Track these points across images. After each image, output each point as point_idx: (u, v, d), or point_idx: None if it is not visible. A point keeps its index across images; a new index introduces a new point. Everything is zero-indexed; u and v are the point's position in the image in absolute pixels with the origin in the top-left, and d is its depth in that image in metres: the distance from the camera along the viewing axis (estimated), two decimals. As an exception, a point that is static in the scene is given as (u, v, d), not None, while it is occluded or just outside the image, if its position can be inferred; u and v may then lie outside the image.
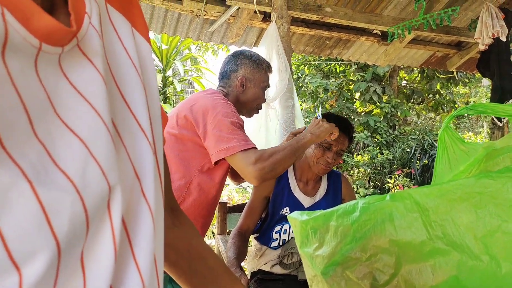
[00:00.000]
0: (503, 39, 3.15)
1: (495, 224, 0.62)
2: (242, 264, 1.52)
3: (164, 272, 0.66)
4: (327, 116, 1.54)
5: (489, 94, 3.60)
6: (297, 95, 2.85)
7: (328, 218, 0.74)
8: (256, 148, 1.31)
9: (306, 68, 8.87)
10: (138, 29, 0.44)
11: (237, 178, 1.86)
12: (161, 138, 0.44)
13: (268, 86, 1.62)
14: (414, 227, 0.66)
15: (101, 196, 0.30)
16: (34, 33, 0.27)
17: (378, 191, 6.71)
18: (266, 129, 2.54)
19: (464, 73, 7.23)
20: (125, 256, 0.34)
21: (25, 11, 0.26)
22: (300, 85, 8.33)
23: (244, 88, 1.53)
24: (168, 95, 6.26)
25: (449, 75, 7.99)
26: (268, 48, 2.60)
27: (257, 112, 1.63)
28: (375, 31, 3.63)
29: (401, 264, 0.67)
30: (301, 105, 8.03)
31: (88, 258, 0.30)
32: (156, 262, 0.37)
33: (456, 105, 8.85)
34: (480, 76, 3.73)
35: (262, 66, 1.56)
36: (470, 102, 10.77)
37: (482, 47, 3.22)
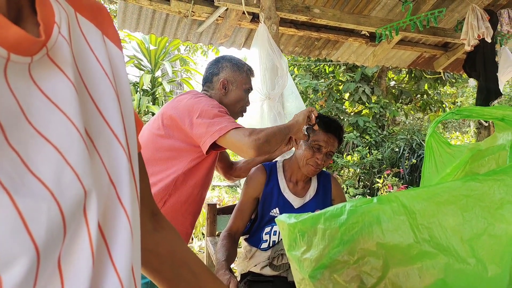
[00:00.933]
0: (489, 40, 3.20)
1: (482, 227, 0.62)
2: (232, 266, 1.52)
3: (146, 278, 0.65)
4: (318, 118, 1.54)
5: (476, 94, 3.65)
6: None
7: (316, 221, 0.74)
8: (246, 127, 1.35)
9: (295, 69, 8.90)
10: (109, 37, 0.44)
11: (230, 173, 1.87)
12: (136, 144, 0.44)
13: (251, 89, 1.64)
14: (401, 230, 0.66)
15: (77, 201, 0.31)
16: (1, 44, 0.28)
17: (368, 191, 6.76)
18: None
19: (451, 73, 7.32)
20: (103, 261, 0.34)
21: None
22: (290, 85, 8.34)
23: (227, 90, 1.56)
24: (157, 95, 6.21)
25: (437, 76, 8.10)
26: (261, 48, 2.61)
27: (242, 115, 1.65)
28: (363, 32, 3.65)
29: (389, 267, 0.67)
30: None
31: (66, 263, 0.30)
32: (133, 267, 0.38)
33: (444, 105, 8.98)
34: (467, 76, 3.78)
35: (243, 69, 1.60)
36: (457, 102, 10.93)
37: (468, 48, 3.26)
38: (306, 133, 1.54)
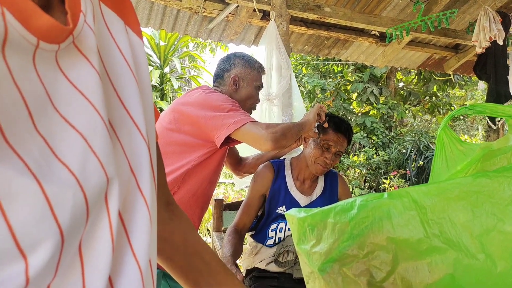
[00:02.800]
0: (500, 42, 3.18)
1: (491, 223, 0.63)
2: (238, 261, 1.53)
3: (159, 268, 0.66)
4: (328, 117, 1.55)
5: (485, 97, 3.62)
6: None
7: (326, 215, 0.75)
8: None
9: (303, 68, 8.88)
10: (131, 26, 0.45)
11: (239, 168, 1.88)
12: (154, 133, 0.45)
13: (262, 86, 1.65)
14: (411, 225, 0.66)
15: (100, 188, 0.31)
16: (32, 31, 0.28)
17: (374, 192, 6.73)
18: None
19: (461, 75, 7.26)
20: (123, 249, 0.35)
21: (24, 10, 0.27)
22: (298, 84, 8.33)
23: (237, 87, 1.57)
24: (165, 91, 6.24)
25: (446, 78, 8.03)
26: (268, 46, 2.61)
27: (251, 112, 1.66)
28: (373, 32, 3.64)
29: (398, 262, 0.68)
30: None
31: (86, 248, 0.31)
32: (150, 256, 0.38)
33: (452, 108, 8.90)
34: (477, 79, 3.76)
35: (254, 66, 1.61)
36: (466, 104, 10.81)
37: (479, 50, 3.24)
38: (316, 131, 1.54)
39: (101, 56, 0.38)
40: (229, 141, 1.37)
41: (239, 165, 1.90)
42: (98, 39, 0.38)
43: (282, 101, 2.57)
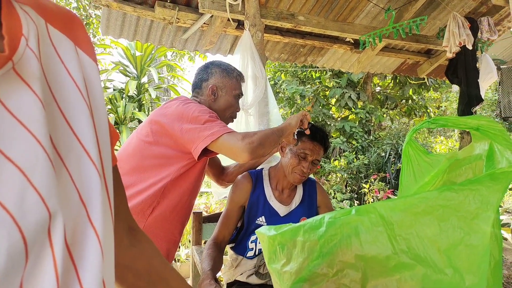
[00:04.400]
0: (470, 47, 3.27)
1: (458, 236, 0.63)
2: (218, 274, 1.50)
3: None
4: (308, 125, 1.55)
5: (458, 100, 3.72)
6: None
7: (295, 233, 0.73)
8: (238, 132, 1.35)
9: (282, 74, 8.95)
10: (82, 47, 0.43)
11: (222, 178, 1.85)
12: (110, 158, 0.43)
13: (241, 95, 1.63)
14: (379, 242, 0.66)
15: (40, 224, 0.30)
16: None
17: (355, 196, 6.80)
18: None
19: (435, 79, 7.46)
20: (71, 283, 0.33)
21: None
22: (277, 91, 8.40)
23: (216, 96, 1.54)
24: (143, 102, 6.16)
25: (421, 81, 8.23)
26: (243, 55, 2.60)
27: (232, 121, 1.64)
28: (347, 39, 3.69)
29: (368, 279, 0.67)
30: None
31: (28, 287, 0.29)
32: (105, 286, 0.36)
33: (428, 110, 9.12)
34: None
35: (232, 74, 1.58)
36: (441, 106, 11.12)
37: (450, 55, 3.32)
38: (295, 137, 1.54)
39: (48, 81, 0.36)
40: (208, 152, 1.35)
41: (222, 174, 1.87)
42: (45, 62, 0.36)
43: (258, 110, 2.56)
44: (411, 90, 8.52)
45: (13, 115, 0.31)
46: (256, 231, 0.84)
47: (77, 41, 0.42)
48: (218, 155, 1.68)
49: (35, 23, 0.36)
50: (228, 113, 1.58)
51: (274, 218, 1.60)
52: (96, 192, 0.37)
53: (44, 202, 0.30)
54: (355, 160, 7.22)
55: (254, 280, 1.58)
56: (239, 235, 1.64)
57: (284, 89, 8.13)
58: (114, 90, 5.92)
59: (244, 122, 2.54)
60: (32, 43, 0.34)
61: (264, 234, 0.78)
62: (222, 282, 1.96)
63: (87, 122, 0.39)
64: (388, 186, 6.66)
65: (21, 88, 0.32)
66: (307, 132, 1.52)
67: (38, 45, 0.35)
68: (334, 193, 6.50)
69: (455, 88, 3.82)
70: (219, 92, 1.54)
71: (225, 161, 1.90)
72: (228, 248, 1.71)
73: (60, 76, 0.38)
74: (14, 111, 0.31)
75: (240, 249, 1.62)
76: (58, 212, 0.31)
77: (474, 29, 3.37)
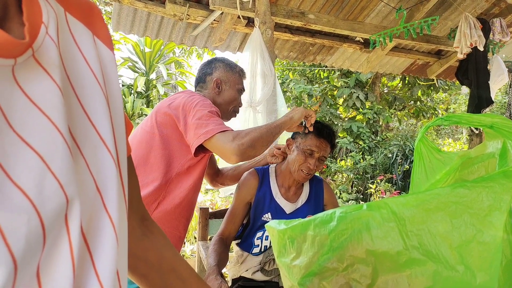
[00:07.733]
0: (481, 48, 3.24)
1: (470, 234, 0.62)
2: (224, 270, 1.50)
3: (133, 284, 0.64)
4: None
5: (467, 101, 3.69)
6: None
7: (306, 227, 0.73)
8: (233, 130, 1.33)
9: (290, 73, 8.93)
10: (100, 37, 0.43)
11: (216, 179, 1.86)
12: (125, 147, 0.43)
13: (243, 90, 1.66)
14: (390, 237, 0.66)
15: (58, 210, 0.30)
16: None
17: (361, 196, 6.78)
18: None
19: (444, 80, 7.40)
20: (85, 269, 0.33)
21: None
22: (285, 90, 8.39)
23: (220, 90, 1.57)
24: (151, 98, 6.19)
25: (430, 82, 8.17)
26: (253, 53, 2.61)
27: (235, 115, 1.65)
28: (357, 39, 3.67)
29: (378, 275, 0.67)
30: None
31: (45, 271, 0.29)
32: (119, 276, 0.37)
33: (437, 112, 9.05)
34: (459, 83, 3.82)
35: (235, 69, 1.62)
36: (450, 108, 11.03)
37: (460, 56, 3.29)
38: (303, 124, 1.53)
39: (66, 69, 0.36)
40: (205, 149, 1.35)
41: (216, 176, 1.87)
42: (63, 51, 0.36)
43: (266, 107, 2.56)
44: (420, 91, 8.47)
45: (33, 102, 0.31)
46: (265, 225, 0.85)
47: (95, 30, 0.43)
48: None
49: (54, 11, 0.36)
50: (231, 107, 1.60)
51: (280, 215, 1.60)
52: (111, 180, 0.37)
53: (63, 189, 0.30)
54: (361, 160, 7.19)
55: (259, 276, 1.58)
56: (245, 232, 1.65)
57: (291, 88, 8.12)
58: (122, 86, 5.98)
59: (253, 119, 2.54)
60: (51, 31, 0.34)
61: (274, 228, 0.78)
62: (227, 278, 1.97)
63: (104, 111, 0.39)
64: (394, 187, 6.62)
65: (40, 75, 0.32)
66: (306, 131, 1.52)
67: (57, 33, 0.35)
68: (340, 193, 6.48)
69: (464, 90, 3.79)
70: (223, 85, 1.57)
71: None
72: (233, 244, 1.71)
73: (78, 64, 0.38)
74: (34, 98, 0.31)
75: (246, 245, 1.62)
76: (75, 198, 0.32)
77: (486, 30, 3.34)
